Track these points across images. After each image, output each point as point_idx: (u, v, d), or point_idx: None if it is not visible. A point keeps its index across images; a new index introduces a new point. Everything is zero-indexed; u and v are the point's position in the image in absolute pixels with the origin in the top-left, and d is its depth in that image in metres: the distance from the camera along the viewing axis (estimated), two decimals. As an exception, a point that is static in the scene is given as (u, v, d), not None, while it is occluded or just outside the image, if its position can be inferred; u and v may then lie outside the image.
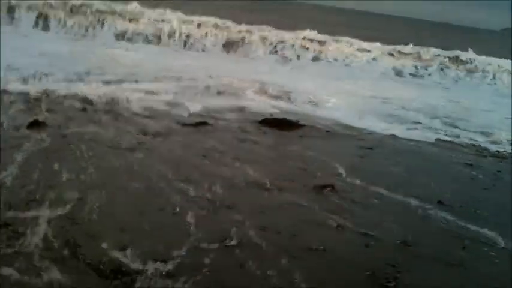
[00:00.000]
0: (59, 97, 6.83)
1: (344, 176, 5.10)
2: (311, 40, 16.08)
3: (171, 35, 15.29)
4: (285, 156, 5.61)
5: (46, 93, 6.90)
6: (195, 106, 7.41)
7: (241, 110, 7.76)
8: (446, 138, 7.74)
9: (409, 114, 9.34)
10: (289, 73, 13.26)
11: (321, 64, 15.61)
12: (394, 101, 10.63)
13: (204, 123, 6.44)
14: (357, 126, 7.68)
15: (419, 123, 8.69)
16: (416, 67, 16.50)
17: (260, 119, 7.11)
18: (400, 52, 16.71)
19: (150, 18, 15.31)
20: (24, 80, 7.46)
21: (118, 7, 15.47)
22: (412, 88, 13.56)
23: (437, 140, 7.51)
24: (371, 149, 6.40)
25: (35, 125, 5.30)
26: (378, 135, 7.30)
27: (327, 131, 7.01)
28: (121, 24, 15.12)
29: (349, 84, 12.21)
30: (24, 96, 6.64)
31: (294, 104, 8.92)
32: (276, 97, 9.27)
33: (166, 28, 15.25)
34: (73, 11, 15.05)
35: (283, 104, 8.70)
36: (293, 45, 15.79)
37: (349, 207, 4.33)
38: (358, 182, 4.96)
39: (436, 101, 11.51)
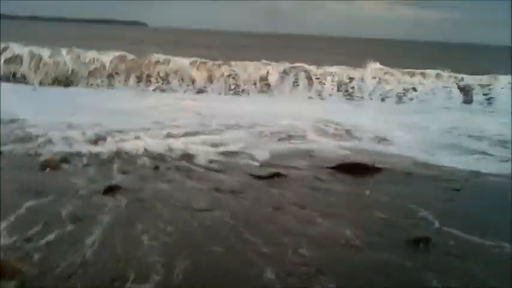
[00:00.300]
0: (131, 156, 6.88)
1: (437, 225, 4.68)
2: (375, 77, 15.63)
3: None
4: (367, 206, 5.26)
5: (117, 153, 6.98)
6: (264, 154, 7.27)
7: (310, 154, 7.54)
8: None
9: (483, 145, 8.72)
10: (353, 109, 12.93)
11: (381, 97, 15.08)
12: (464, 131, 10.04)
13: (277, 175, 6.23)
14: (435, 163, 7.22)
15: (491, 155, 8.03)
16: (485, 94, 15.46)
17: (333, 164, 6.82)
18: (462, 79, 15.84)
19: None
20: (93, 140, 7.61)
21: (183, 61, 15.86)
22: (481, 116, 12.74)
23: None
24: (458, 190, 5.93)
25: (110, 190, 5.30)
26: (461, 172, 6.77)
27: (407, 174, 6.59)
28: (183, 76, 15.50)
29: (413, 117, 11.70)
30: (96, 157, 6.73)
31: (362, 143, 8.59)
32: (341, 136, 9.02)
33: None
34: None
35: (351, 144, 8.40)
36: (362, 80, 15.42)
37: (452, 263, 3.91)
38: (454, 231, 4.53)
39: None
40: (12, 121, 8.67)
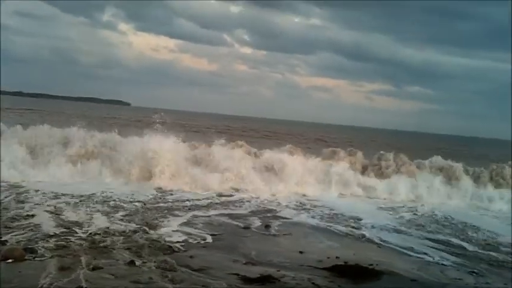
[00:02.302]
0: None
1: None
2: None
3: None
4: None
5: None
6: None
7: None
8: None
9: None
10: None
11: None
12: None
13: (269, 279, 5.59)
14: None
15: None
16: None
17: (327, 265, 6.23)
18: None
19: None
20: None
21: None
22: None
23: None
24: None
25: None
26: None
27: (413, 280, 6.03)
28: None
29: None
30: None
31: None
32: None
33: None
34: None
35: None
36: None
37: None
38: None
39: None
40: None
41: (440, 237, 8.84)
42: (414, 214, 11.11)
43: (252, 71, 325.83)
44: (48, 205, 8.46)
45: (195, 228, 7.82)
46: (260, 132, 40.71)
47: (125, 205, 9.07)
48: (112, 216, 8.07)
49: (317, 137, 39.86)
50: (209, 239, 7.25)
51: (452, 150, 30.41)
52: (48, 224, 7.14)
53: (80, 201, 9.08)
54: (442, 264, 6.99)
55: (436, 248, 7.89)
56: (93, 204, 8.94)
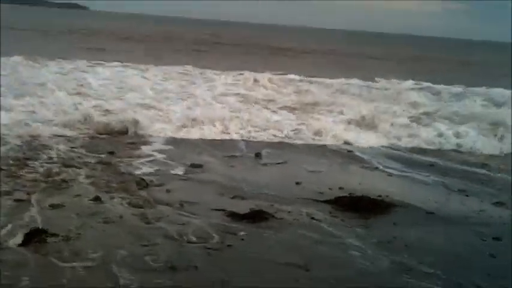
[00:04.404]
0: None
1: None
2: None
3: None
4: (395, 267, 4.28)
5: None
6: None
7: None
8: None
9: None
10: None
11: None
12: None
13: (260, 214, 5.19)
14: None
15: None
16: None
17: (328, 197, 5.87)
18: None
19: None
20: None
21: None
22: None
23: None
24: (499, 239, 5.04)
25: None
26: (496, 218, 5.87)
27: (429, 213, 5.69)
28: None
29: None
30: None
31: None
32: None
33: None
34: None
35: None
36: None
37: None
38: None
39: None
40: None
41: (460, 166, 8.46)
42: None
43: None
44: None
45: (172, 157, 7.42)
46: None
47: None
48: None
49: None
50: (189, 170, 6.86)
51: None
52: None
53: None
54: (463, 194, 6.68)
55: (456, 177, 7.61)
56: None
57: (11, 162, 6.39)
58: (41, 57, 16.90)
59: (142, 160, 7.06)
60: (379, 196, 6.03)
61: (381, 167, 7.76)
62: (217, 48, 34.51)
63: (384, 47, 58.21)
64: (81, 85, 13.10)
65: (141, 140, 8.36)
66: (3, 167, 6.12)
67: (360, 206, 5.70)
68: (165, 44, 34.42)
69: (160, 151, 7.64)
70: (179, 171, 6.71)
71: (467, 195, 6.56)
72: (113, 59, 18.65)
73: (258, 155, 7.89)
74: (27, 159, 6.61)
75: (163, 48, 30.04)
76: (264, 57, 29.61)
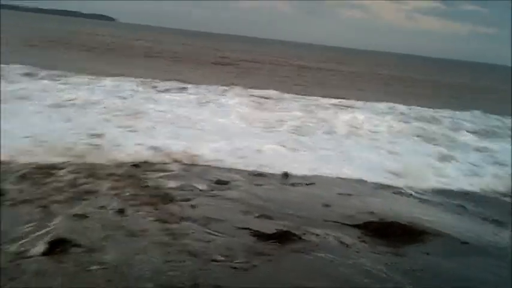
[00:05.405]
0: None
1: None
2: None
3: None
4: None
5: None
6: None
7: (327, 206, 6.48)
8: None
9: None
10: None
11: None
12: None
13: (287, 235, 5.15)
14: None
15: None
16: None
17: (357, 221, 5.80)
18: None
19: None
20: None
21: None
22: None
23: None
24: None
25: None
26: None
27: (463, 243, 5.57)
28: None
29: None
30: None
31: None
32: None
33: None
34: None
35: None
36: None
37: None
38: None
39: None
40: None
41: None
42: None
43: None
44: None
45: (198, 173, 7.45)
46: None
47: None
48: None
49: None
50: (215, 186, 6.87)
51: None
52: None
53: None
54: (499, 224, 6.55)
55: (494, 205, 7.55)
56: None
57: (35, 170, 6.53)
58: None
59: (167, 173, 7.14)
60: (410, 223, 5.96)
61: (414, 193, 7.67)
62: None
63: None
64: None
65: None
66: (27, 176, 6.26)
67: (389, 232, 5.66)
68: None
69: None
70: (205, 187, 6.76)
71: (501, 225, 6.45)
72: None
73: (285, 175, 7.89)
74: (52, 167, 6.74)
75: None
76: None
